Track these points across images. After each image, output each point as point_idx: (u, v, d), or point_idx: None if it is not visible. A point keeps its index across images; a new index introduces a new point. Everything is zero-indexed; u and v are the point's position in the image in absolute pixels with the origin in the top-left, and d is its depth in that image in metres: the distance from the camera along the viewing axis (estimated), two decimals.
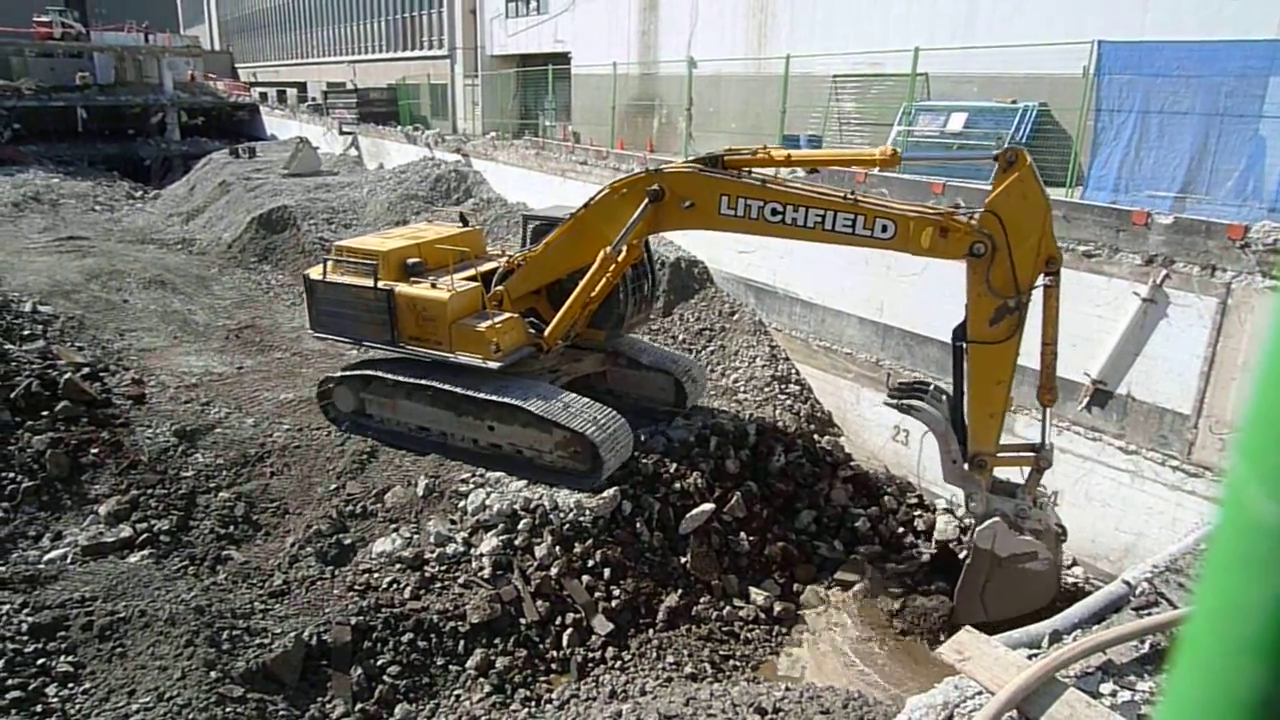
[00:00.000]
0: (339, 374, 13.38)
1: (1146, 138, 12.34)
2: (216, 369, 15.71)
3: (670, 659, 9.77)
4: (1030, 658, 5.45)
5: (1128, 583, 6.60)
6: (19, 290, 18.24)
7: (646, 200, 10.78)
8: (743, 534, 11.67)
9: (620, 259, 11.40)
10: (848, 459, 13.97)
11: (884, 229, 9.59)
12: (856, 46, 17.54)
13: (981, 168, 14.01)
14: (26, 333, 15.17)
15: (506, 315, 12.03)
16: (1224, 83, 11.43)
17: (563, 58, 29.32)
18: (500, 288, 12.25)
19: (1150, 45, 12.31)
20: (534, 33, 31.38)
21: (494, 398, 11.60)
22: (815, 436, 14.37)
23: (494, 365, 11.62)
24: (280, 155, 36.94)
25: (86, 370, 13.96)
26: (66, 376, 13.13)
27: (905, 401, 10.61)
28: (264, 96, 56.05)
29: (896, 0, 17.43)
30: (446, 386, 11.95)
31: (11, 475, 11.35)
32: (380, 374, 12.66)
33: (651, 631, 10.15)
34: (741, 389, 15.60)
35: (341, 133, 39.20)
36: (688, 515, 11.35)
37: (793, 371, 16.08)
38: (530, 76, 30.27)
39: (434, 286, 12.00)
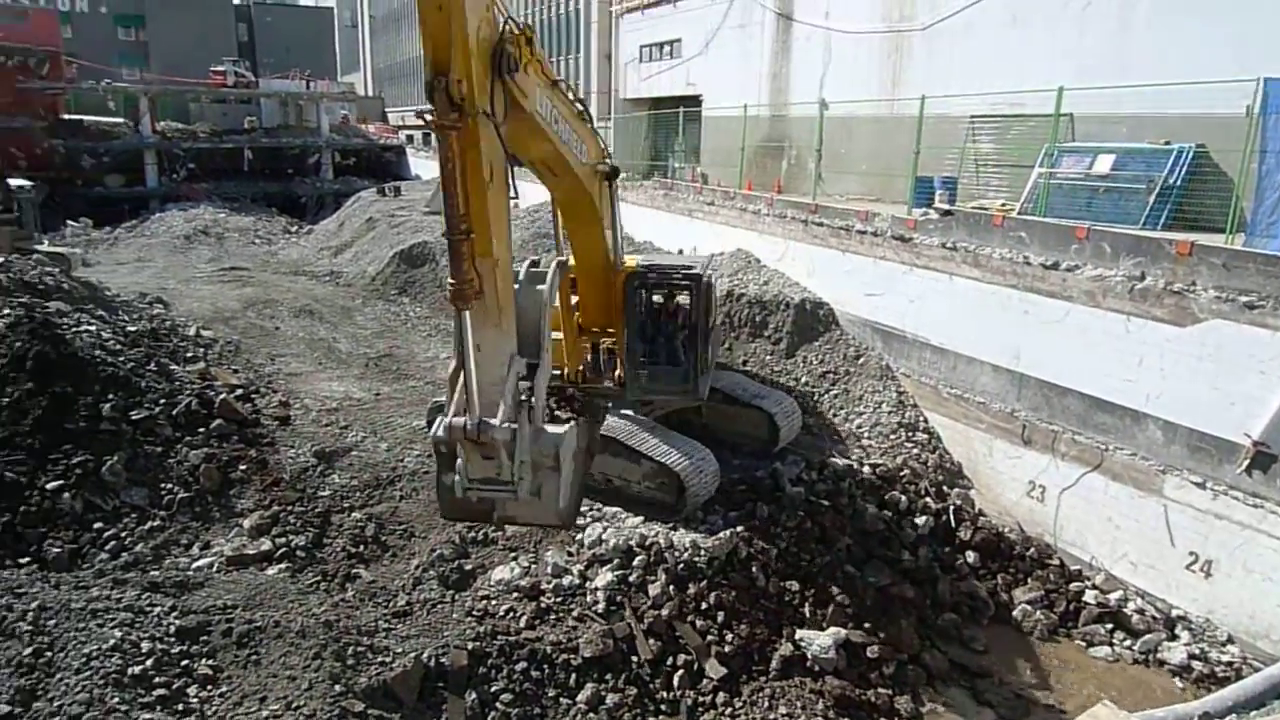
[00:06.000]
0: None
1: None
2: (355, 394, 16.51)
3: (783, 709, 9.50)
4: None
5: None
6: (185, 315, 19.80)
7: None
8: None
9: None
10: (978, 515, 13.35)
11: None
12: (995, 86, 17.02)
13: (1131, 211, 13.35)
14: (190, 355, 16.40)
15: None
16: None
17: (694, 100, 29.69)
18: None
19: None
20: (667, 76, 31.92)
21: None
22: (944, 487, 13.83)
23: None
24: (423, 194, 38.80)
25: (240, 392, 14.96)
26: (222, 397, 14.10)
27: None
28: (410, 139, 59.10)
29: (1039, 38, 16.86)
30: None
31: (170, 486, 12.22)
32: None
33: (764, 679, 9.90)
34: (866, 435, 15.20)
35: None
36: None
37: (921, 419, 15.55)
38: (661, 119, 30.72)
39: None
